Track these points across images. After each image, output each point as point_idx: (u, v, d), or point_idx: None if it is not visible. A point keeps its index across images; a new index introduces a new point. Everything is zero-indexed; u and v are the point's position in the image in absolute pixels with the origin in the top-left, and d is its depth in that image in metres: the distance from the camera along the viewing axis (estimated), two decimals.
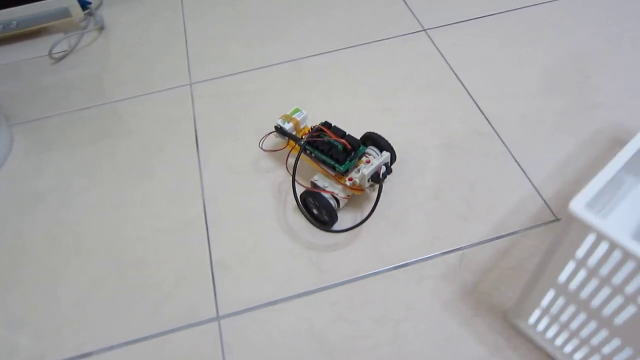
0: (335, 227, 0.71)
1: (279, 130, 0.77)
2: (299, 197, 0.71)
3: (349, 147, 0.70)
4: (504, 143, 0.79)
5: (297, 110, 0.78)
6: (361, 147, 0.72)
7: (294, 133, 0.77)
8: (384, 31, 0.99)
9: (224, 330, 0.63)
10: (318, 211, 0.71)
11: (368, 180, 0.69)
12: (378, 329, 0.62)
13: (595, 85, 0.86)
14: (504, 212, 0.72)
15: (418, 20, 1.01)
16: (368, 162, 0.70)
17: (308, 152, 0.73)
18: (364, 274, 0.67)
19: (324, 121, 0.75)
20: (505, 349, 0.60)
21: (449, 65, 0.92)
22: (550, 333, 0.55)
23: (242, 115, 0.88)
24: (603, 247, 0.39)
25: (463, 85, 0.88)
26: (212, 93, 0.92)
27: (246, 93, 0.91)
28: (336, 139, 0.71)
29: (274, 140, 0.82)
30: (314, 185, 0.72)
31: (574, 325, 0.49)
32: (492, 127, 0.82)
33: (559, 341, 0.55)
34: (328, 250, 0.70)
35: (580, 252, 0.41)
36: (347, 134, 0.72)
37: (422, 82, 0.89)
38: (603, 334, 0.46)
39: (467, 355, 0.60)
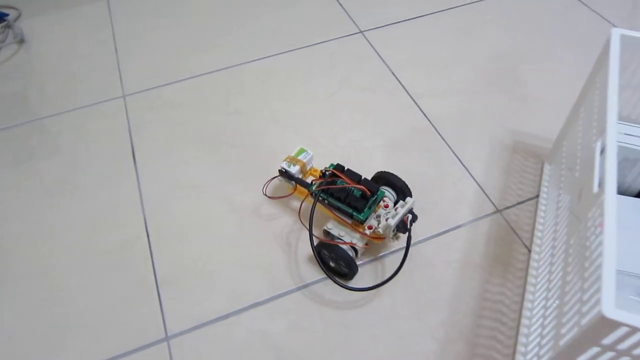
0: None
1: (285, 174, 0.69)
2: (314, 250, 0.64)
3: (368, 193, 0.64)
4: (443, 139, 0.81)
5: (302, 151, 0.70)
6: (380, 192, 0.66)
7: (300, 177, 0.70)
8: (321, 34, 0.99)
9: (174, 350, 0.60)
10: (335, 263, 0.65)
11: (393, 230, 0.63)
12: (333, 333, 0.61)
13: (523, 79, 0.89)
14: (447, 206, 0.73)
15: (354, 22, 1.01)
16: (387, 206, 0.64)
17: (321, 199, 0.66)
18: (314, 280, 0.66)
19: (336, 164, 0.68)
20: None
21: (387, 65, 0.93)
22: None
23: (182, 126, 0.85)
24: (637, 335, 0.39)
25: (401, 84, 0.89)
26: (149, 105, 0.89)
27: (185, 102, 0.89)
28: (353, 185, 0.64)
29: (276, 183, 0.75)
30: (327, 234, 0.66)
31: None
32: (432, 124, 0.83)
33: None
34: (280, 261, 0.68)
35: (607, 341, 0.41)
36: (362, 178, 0.66)
37: (361, 83, 0.90)
38: None
39: (418, 352, 0.60)
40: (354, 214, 0.63)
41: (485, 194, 0.74)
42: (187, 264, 0.68)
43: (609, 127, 0.48)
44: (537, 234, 0.70)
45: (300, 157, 0.69)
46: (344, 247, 0.63)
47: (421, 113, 0.85)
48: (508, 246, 0.69)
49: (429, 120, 0.84)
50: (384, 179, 0.69)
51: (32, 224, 0.73)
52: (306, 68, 0.93)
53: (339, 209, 0.65)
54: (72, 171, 0.80)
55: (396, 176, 0.69)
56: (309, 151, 0.70)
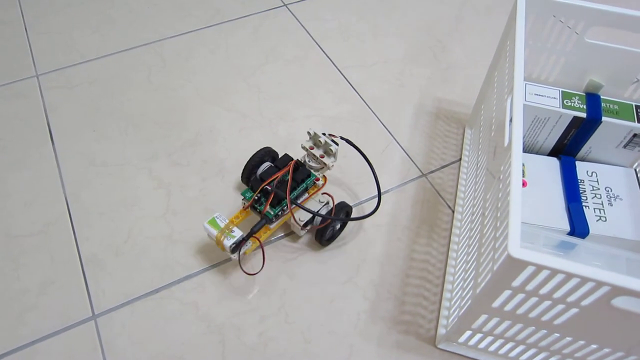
0: None
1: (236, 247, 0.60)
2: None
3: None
4: (370, 108, 0.83)
5: (213, 222, 0.60)
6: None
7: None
8: (244, 8, 0.98)
9: (101, 328, 0.59)
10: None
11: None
12: (266, 300, 0.62)
13: (449, 48, 0.92)
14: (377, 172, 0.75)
15: None
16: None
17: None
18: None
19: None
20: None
21: (312, 37, 0.93)
22: (482, 344, 0.56)
23: (100, 104, 0.82)
24: (542, 274, 0.40)
25: (327, 56, 0.90)
26: (64, 84, 0.85)
27: (103, 80, 0.85)
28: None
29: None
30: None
31: (510, 333, 0.51)
32: (359, 94, 0.84)
33: (492, 347, 0.56)
34: (205, 234, 0.68)
35: (517, 282, 0.43)
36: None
37: (287, 57, 0.90)
38: (539, 333, 0.49)
39: (351, 312, 0.61)
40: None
41: (411, 160, 0.77)
42: (114, 243, 0.66)
43: (516, 81, 0.51)
44: (460, 194, 0.73)
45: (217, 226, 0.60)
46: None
47: (348, 84, 0.86)
48: (433, 207, 0.71)
49: (355, 91, 0.85)
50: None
51: None
52: (230, 43, 0.92)
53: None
54: None
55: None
56: (218, 218, 0.60)
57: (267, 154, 0.67)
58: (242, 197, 0.64)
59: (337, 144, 0.65)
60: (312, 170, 0.66)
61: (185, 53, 0.90)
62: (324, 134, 0.65)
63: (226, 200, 0.71)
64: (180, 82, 0.85)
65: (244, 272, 0.63)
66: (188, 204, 0.70)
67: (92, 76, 0.86)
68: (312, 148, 0.66)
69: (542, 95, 0.66)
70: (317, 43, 0.92)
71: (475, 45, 0.93)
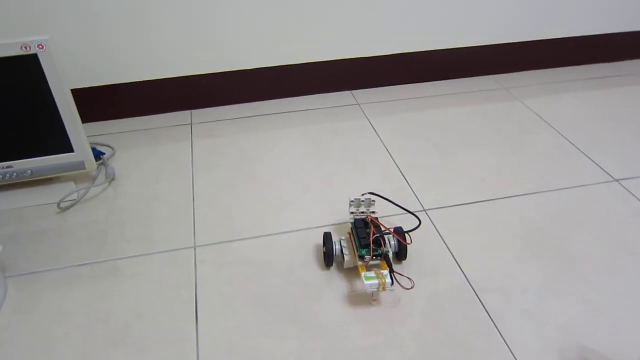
0: None
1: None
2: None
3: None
4: (506, 343, 0.79)
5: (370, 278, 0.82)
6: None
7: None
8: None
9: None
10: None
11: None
12: None
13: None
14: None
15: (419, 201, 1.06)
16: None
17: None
18: None
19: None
20: None
21: (449, 249, 0.94)
22: None
23: (244, 287, 0.87)
24: None
25: (464, 275, 0.90)
26: (217, 259, 0.93)
27: (251, 262, 0.92)
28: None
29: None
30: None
31: None
32: (494, 323, 0.82)
33: None
34: None
35: None
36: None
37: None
38: None
39: None
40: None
41: None
42: None
43: None
44: None
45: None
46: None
47: (485, 312, 0.84)
48: None
49: (492, 321, 0.83)
50: None
51: None
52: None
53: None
54: (137, 320, 0.82)
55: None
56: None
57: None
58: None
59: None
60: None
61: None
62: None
63: None
64: (323, 275, 0.89)
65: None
66: None
67: (242, 255, 0.93)
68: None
69: None
70: (453, 256, 0.93)
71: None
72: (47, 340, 0.79)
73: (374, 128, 1.30)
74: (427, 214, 1.03)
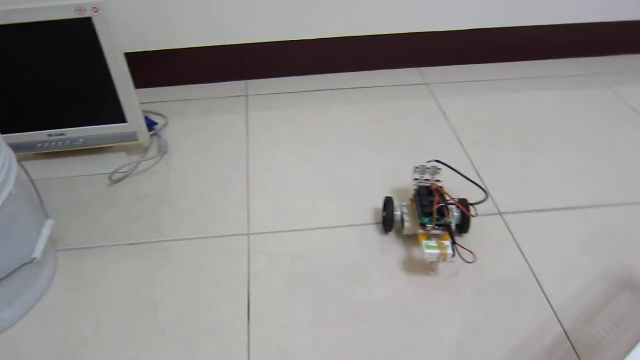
0: None
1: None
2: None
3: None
4: None
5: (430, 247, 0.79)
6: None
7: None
8: None
9: None
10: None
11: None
12: None
13: None
14: None
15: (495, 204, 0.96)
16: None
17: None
18: None
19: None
20: None
21: (527, 261, 0.86)
22: None
23: (299, 284, 0.81)
24: None
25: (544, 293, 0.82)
26: (271, 250, 0.87)
27: (307, 256, 0.86)
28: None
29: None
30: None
31: None
32: (572, 345, 0.74)
33: None
34: None
35: None
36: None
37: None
38: None
39: None
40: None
41: None
42: None
43: None
44: None
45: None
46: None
47: (562, 331, 0.76)
48: None
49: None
50: None
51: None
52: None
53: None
54: (186, 312, 0.78)
55: None
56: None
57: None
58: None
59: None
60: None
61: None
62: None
63: None
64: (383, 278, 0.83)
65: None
66: None
67: (297, 248, 0.87)
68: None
69: None
70: (532, 271, 0.85)
71: None
72: (96, 323, 0.76)
73: (442, 112, 1.19)
74: (502, 217, 0.93)
